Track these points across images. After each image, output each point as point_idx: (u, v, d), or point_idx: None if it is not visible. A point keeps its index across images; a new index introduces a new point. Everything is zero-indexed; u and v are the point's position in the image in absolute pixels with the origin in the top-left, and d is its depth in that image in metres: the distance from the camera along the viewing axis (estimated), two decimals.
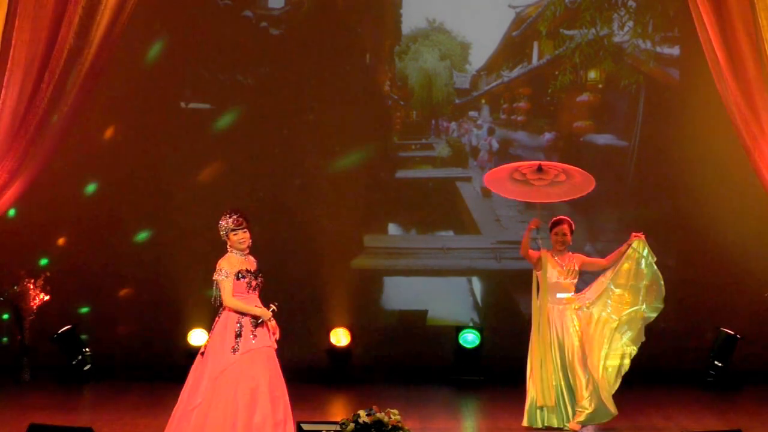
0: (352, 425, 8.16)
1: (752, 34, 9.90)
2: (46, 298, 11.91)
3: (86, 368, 12.00)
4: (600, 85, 12.90)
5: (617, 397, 11.34)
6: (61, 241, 12.62)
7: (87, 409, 10.86)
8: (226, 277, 7.90)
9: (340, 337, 12.29)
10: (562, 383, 9.46)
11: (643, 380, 12.00)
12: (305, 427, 8.49)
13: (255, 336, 7.85)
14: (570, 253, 9.51)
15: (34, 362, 11.90)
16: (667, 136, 12.68)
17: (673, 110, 12.65)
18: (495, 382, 11.93)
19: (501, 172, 9.57)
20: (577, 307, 9.44)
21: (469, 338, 12.15)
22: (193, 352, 11.86)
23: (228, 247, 8.01)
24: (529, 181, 9.40)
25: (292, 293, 12.79)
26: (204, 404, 7.69)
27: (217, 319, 8.00)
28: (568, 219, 9.54)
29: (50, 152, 10.76)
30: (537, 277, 9.43)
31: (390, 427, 8.18)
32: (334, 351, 12.30)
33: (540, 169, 9.31)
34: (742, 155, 10.58)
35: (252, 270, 7.96)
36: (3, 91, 10.15)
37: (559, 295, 9.42)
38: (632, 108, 12.84)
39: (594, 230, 12.79)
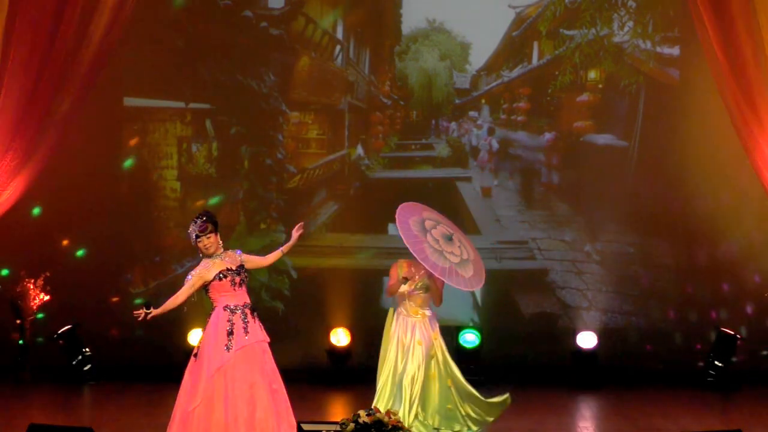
0: (352, 425, 8.16)
1: (752, 34, 9.91)
2: (46, 298, 11.91)
3: (86, 368, 12.00)
4: (600, 85, 12.89)
5: (618, 396, 11.37)
6: (61, 241, 12.61)
7: (87, 409, 10.86)
8: (190, 278, 7.90)
9: (340, 337, 12.29)
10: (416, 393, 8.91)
11: (643, 380, 12.03)
12: (305, 427, 8.49)
13: (248, 332, 7.86)
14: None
15: (34, 362, 11.90)
16: (667, 136, 12.67)
17: (673, 110, 12.64)
18: (495, 382, 11.92)
19: (418, 211, 9.11)
20: (421, 319, 9.04)
21: (469, 338, 12.15)
22: (192, 352, 11.93)
23: (199, 253, 7.99)
24: (426, 238, 8.85)
25: (292, 293, 12.82)
26: (204, 404, 7.70)
27: (208, 320, 8.00)
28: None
29: (50, 152, 10.76)
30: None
31: (390, 427, 8.18)
32: (334, 351, 12.30)
33: (449, 238, 8.92)
34: (742, 155, 10.58)
35: (233, 267, 7.95)
36: (3, 91, 10.16)
37: (406, 305, 9.04)
38: (632, 108, 12.84)
39: (594, 230, 12.79)
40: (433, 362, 8.96)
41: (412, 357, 8.88)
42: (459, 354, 12.04)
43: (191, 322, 12.15)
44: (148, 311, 7.78)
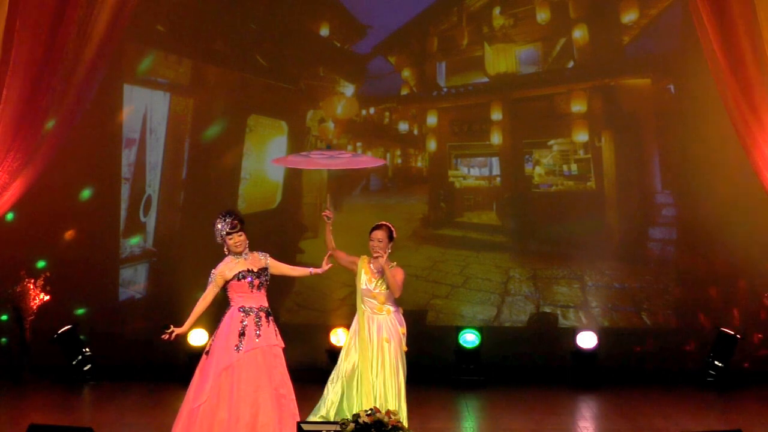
0: (352, 425, 8.15)
1: (752, 34, 9.90)
2: (46, 298, 11.91)
3: (86, 368, 12.00)
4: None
5: (618, 396, 11.38)
6: (61, 241, 12.62)
7: (87, 409, 10.86)
8: (213, 280, 7.98)
9: (340, 337, 12.28)
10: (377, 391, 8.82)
11: (643, 380, 12.03)
12: (305, 427, 8.48)
13: (259, 335, 7.86)
14: (387, 261, 8.77)
15: (34, 362, 11.91)
16: (667, 136, 12.68)
17: (674, 111, 12.65)
18: (495, 382, 11.93)
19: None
20: (386, 316, 8.92)
21: (469, 338, 12.16)
22: (193, 352, 11.94)
23: (225, 250, 8.00)
24: (309, 155, 9.04)
25: (292, 293, 12.82)
26: (209, 402, 7.71)
27: (222, 318, 8.01)
28: (388, 224, 8.83)
29: (50, 152, 10.76)
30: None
31: (390, 427, 8.18)
32: (335, 351, 12.29)
33: (329, 147, 9.15)
34: (742, 155, 10.58)
35: (254, 269, 7.97)
36: (4, 92, 10.15)
37: (368, 302, 8.90)
38: (635, 108, 12.87)
39: (594, 231, 12.80)
40: (403, 358, 8.80)
41: (380, 354, 8.76)
42: (459, 354, 12.05)
43: None
44: (171, 331, 7.80)
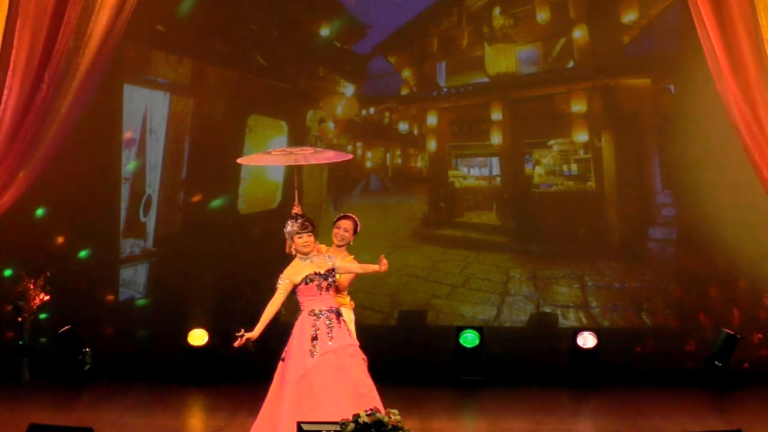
0: (352, 425, 8.14)
1: (752, 34, 9.88)
2: (46, 298, 11.90)
3: (86, 368, 11.99)
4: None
5: (618, 396, 11.37)
6: (60, 241, 12.62)
7: (87, 409, 10.85)
8: (282, 282, 7.95)
9: None
10: None
11: (643, 380, 12.03)
12: (305, 427, 8.47)
13: (332, 338, 7.87)
14: (346, 253, 8.66)
15: (34, 362, 11.90)
16: (667, 136, 12.68)
17: (674, 111, 12.66)
18: (495, 382, 11.93)
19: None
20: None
21: (469, 338, 12.15)
22: (192, 352, 11.96)
23: (293, 251, 8.00)
24: (269, 152, 8.93)
25: (291, 293, 12.81)
26: (291, 410, 7.69)
27: (295, 324, 8.02)
28: (354, 217, 8.74)
29: (50, 152, 10.75)
30: None
31: (390, 427, 8.17)
32: None
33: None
34: (742, 155, 10.58)
35: (321, 271, 7.96)
36: (4, 92, 10.14)
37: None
38: (635, 109, 12.87)
39: (594, 231, 12.80)
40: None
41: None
42: (459, 354, 12.05)
43: (191, 322, 12.19)
44: (241, 334, 7.77)
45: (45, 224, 12.46)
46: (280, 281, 7.96)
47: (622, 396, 11.41)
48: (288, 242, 8.00)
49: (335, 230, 8.71)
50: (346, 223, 8.69)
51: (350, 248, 8.67)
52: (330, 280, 7.99)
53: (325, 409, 7.68)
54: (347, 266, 8.21)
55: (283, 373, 7.90)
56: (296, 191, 8.61)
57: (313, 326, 7.88)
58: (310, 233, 7.97)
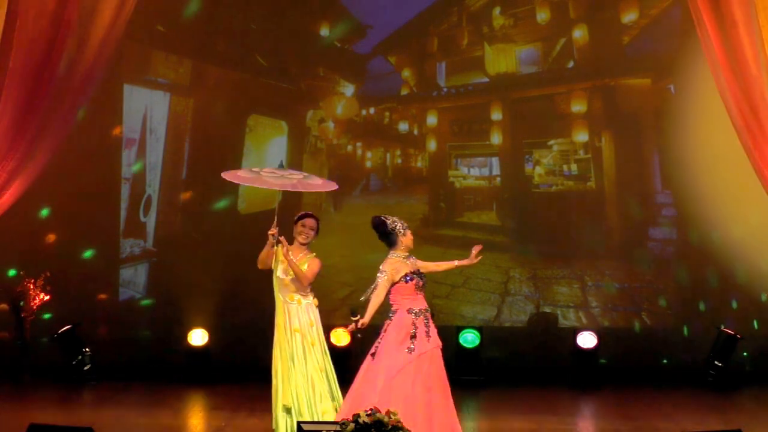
0: (352, 425, 8.14)
1: (752, 34, 9.88)
2: (46, 298, 11.90)
3: (86, 368, 11.99)
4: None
5: (618, 396, 11.36)
6: (61, 241, 12.62)
7: (87, 409, 10.86)
8: (386, 277, 8.01)
9: (340, 337, 12.28)
10: (299, 384, 8.67)
11: (643, 380, 12.03)
12: (305, 427, 8.47)
13: (430, 337, 7.92)
14: (307, 252, 8.80)
15: (34, 362, 11.90)
16: (667, 136, 12.68)
17: (674, 111, 12.65)
18: (495, 382, 11.93)
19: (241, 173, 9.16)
20: (297, 306, 8.78)
21: (469, 338, 12.15)
22: (192, 352, 11.96)
23: (398, 247, 8.07)
24: (259, 173, 8.84)
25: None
26: (380, 404, 7.72)
27: (388, 321, 8.07)
28: (317, 217, 8.88)
29: (50, 152, 10.75)
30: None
31: (390, 427, 8.17)
32: (335, 351, 12.27)
33: (281, 165, 9.00)
34: (742, 155, 10.58)
35: (417, 271, 8.05)
36: (4, 91, 10.14)
37: (283, 290, 8.79)
38: (635, 109, 12.87)
39: (594, 231, 12.80)
40: (313, 350, 8.75)
41: (294, 344, 8.68)
42: (459, 354, 12.04)
43: (191, 322, 12.20)
44: (357, 318, 7.90)
45: (45, 224, 12.45)
46: (381, 274, 8.02)
47: (622, 396, 11.42)
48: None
49: (300, 228, 8.80)
50: (311, 222, 8.81)
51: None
52: (424, 279, 8.08)
53: (418, 407, 7.74)
54: (427, 266, 8.29)
55: (375, 367, 7.94)
56: (275, 215, 8.61)
57: (413, 324, 7.97)
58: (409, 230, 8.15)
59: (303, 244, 8.78)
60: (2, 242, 11.54)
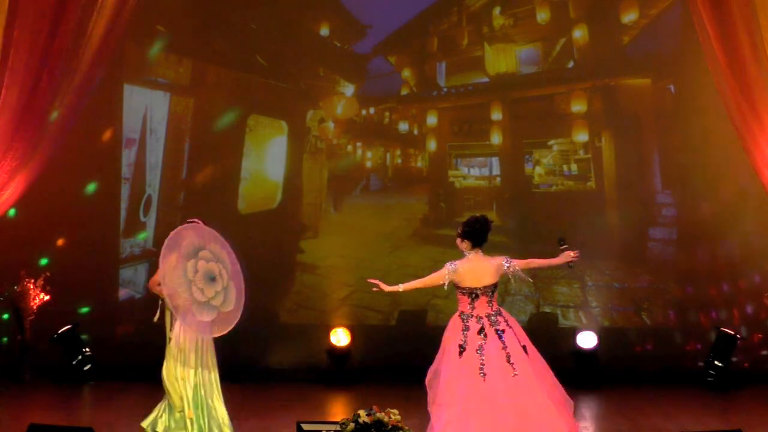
0: (352, 425, 8.15)
1: (752, 34, 9.90)
2: (46, 298, 11.91)
3: (86, 368, 12.00)
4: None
5: (618, 396, 11.35)
6: (60, 241, 12.62)
7: (87, 409, 10.86)
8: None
9: (340, 337, 12.29)
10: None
11: (643, 380, 12.03)
12: (305, 427, 8.48)
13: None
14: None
15: (34, 362, 11.90)
16: (667, 136, 12.69)
17: (674, 111, 12.66)
18: None
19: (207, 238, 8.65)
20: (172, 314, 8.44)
21: None
22: None
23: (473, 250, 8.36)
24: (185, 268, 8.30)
25: (292, 293, 12.82)
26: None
27: (505, 318, 8.63)
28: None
29: (50, 152, 10.76)
30: None
31: (390, 427, 8.18)
32: (334, 351, 12.29)
33: (212, 279, 8.48)
34: (742, 155, 10.58)
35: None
36: (3, 91, 10.15)
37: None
38: (635, 109, 12.87)
39: (594, 231, 12.80)
40: (191, 356, 8.48)
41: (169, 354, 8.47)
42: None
43: None
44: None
45: (45, 224, 12.45)
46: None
47: (622, 396, 11.42)
48: None
49: None
50: None
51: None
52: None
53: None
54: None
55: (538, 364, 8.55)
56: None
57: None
58: None
59: None
60: (2, 242, 11.53)
